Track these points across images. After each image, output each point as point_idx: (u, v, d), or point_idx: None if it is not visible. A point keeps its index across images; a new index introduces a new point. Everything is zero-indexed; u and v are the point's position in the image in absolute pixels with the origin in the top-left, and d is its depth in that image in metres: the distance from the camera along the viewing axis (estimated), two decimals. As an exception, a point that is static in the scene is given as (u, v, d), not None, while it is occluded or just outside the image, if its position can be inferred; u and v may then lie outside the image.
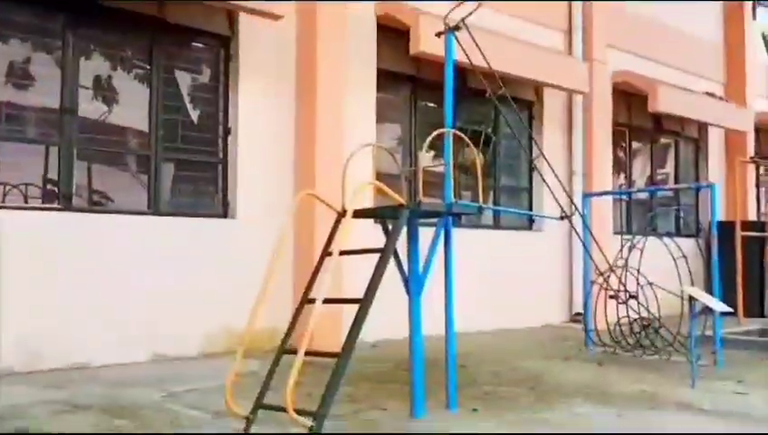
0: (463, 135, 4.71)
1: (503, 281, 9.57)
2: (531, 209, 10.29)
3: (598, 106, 10.71)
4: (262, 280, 4.11)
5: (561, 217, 5.71)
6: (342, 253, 4.02)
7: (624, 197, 11.35)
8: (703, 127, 13.45)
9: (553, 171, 6.15)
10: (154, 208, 7.07)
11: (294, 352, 3.68)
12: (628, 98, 11.84)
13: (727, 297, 11.62)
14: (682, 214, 10.19)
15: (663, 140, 13.09)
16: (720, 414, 4.96)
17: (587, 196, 8.07)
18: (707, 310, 6.08)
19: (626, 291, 6.57)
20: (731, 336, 8.38)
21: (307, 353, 3.71)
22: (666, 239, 7.34)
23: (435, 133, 4.45)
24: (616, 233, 11.38)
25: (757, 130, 14.28)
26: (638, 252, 7.32)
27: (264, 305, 4.00)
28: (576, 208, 6.15)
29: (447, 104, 4.90)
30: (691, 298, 5.78)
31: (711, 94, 12.91)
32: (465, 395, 5.23)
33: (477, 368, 6.53)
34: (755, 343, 8.15)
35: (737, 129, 13.17)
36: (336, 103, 7.57)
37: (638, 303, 6.54)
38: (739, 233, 10.38)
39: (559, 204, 6.06)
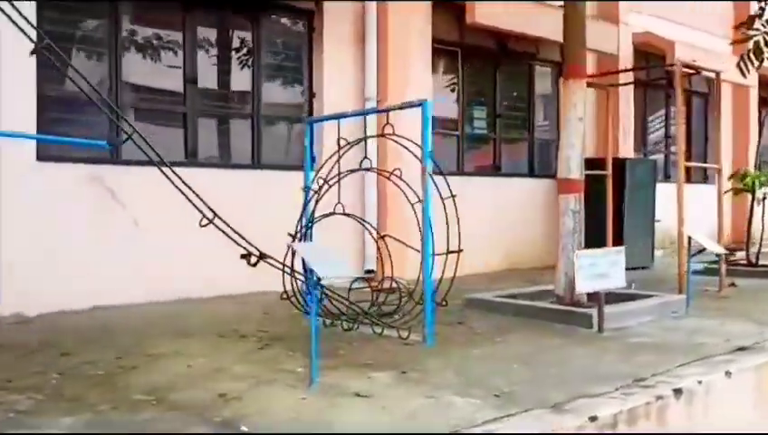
0: None
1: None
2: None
3: (397, 14, 8.73)
4: None
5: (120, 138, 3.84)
6: None
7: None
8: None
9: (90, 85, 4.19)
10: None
11: None
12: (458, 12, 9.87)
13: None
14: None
15: (513, 66, 11.19)
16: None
17: (311, 121, 6.20)
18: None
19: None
20: (497, 299, 6.68)
21: None
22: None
23: None
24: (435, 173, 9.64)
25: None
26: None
27: None
28: (131, 131, 4.17)
29: None
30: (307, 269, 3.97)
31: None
32: None
33: (96, 354, 4.77)
34: (513, 306, 6.43)
35: (606, 51, 11.25)
36: None
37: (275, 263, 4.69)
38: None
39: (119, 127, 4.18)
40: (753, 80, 14.61)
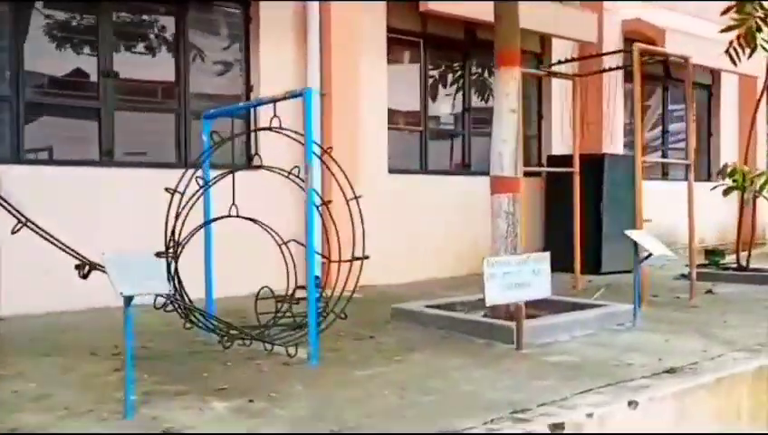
0: None
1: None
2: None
3: (343, 2, 8.13)
4: None
5: None
6: None
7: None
8: (547, 40, 10.84)
9: None
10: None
11: None
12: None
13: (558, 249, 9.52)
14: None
15: (484, 57, 10.48)
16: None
17: (208, 116, 5.61)
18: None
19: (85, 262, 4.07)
20: (424, 310, 6.04)
21: None
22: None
23: None
24: (394, 171, 9.06)
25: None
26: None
27: None
28: None
29: None
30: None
31: (544, -4, 10.22)
32: None
33: None
34: (439, 319, 5.80)
35: (583, 39, 10.53)
36: None
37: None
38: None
39: None
40: (759, 69, 13.69)
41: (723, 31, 10.33)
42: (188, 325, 5.02)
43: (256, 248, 5.97)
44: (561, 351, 4.99)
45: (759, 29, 9.25)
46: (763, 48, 9.33)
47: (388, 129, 8.97)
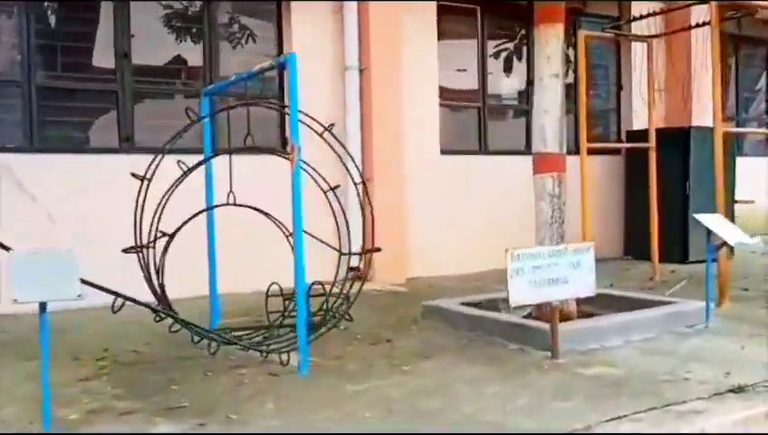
0: None
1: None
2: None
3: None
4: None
5: None
6: None
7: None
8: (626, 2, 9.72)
9: None
10: None
11: None
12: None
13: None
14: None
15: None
16: None
17: (208, 93, 5.06)
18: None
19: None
20: (457, 308, 5.28)
21: None
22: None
23: None
24: (447, 152, 8.29)
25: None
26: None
27: None
28: None
29: None
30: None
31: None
32: None
33: None
34: (471, 319, 5.02)
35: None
36: None
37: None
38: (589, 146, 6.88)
39: None
40: None
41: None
42: (174, 329, 4.47)
43: (265, 240, 5.39)
44: (605, 360, 4.14)
45: None
46: None
47: (440, 105, 8.20)
